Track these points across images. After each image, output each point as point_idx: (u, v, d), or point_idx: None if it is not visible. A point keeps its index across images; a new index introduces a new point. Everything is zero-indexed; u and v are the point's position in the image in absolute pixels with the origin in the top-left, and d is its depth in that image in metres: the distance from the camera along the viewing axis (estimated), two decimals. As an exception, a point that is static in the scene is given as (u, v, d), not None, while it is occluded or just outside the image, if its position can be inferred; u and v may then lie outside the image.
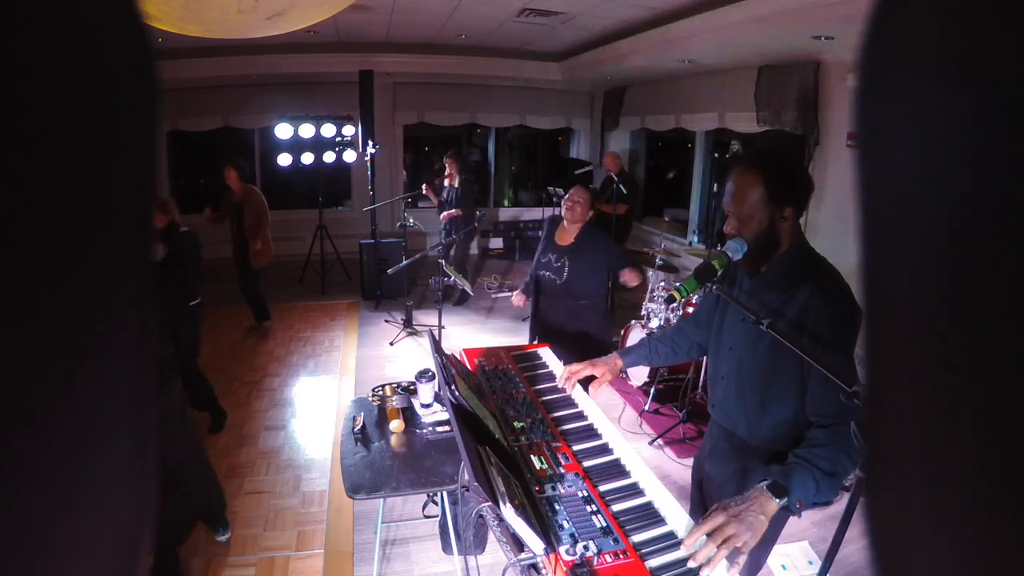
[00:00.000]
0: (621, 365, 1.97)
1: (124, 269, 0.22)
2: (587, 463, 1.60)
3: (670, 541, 1.32)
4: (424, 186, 6.24)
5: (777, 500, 1.29)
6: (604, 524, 1.34)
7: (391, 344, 5.28)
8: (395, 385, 2.53)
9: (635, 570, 1.22)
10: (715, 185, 5.36)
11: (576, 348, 2.79)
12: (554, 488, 1.46)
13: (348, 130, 6.86)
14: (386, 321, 5.87)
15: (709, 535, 1.26)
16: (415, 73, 7.73)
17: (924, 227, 0.19)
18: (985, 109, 0.16)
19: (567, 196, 3.09)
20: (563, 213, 3.09)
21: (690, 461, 3.20)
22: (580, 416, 1.86)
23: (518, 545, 1.21)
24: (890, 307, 0.21)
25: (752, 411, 1.59)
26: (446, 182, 6.12)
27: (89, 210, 0.20)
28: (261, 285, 5.35)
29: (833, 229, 4.02)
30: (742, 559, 1.24)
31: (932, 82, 0.18)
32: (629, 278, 3.01)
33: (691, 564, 1.24)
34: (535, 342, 3.29)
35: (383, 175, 7.96)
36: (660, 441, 3.71)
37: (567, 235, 3.11)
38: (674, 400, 4.07)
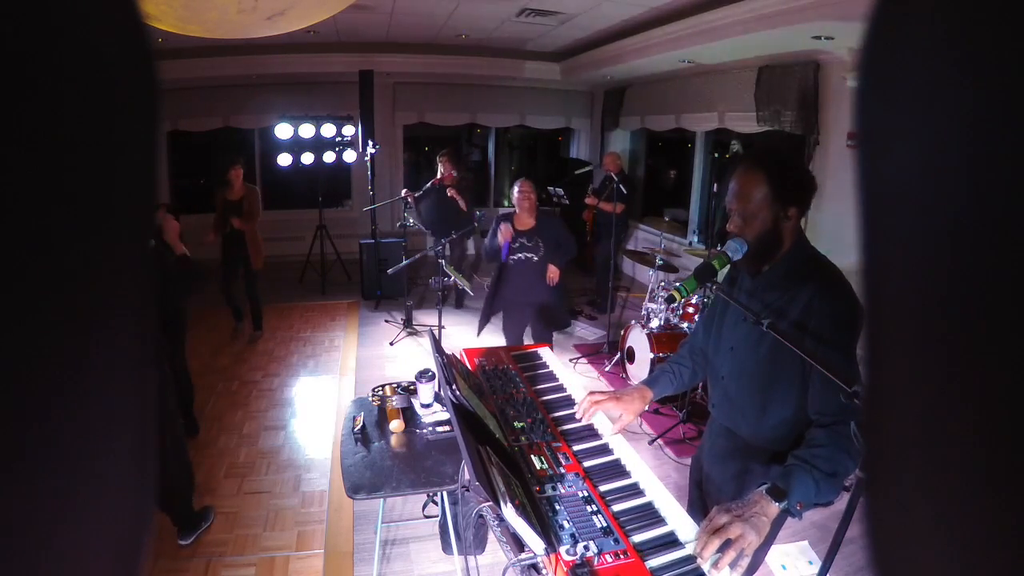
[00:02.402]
0: (650, 396, 1.83)
1: (124, 269, 0.22)
2: (587, 463, 1.60)
3: (670, 541, 1.32)
4: (404, 191, 6.03)
5: (777, 504, 1.29)
6: (604, 524, 1.34)
7: (391, 344, 5.28)
8: (395, 385, 2.53)
9: (635, 570, 1.22)
10: (715, 185, 5.35)
11: (541, 315, 3.65)
12: (554, 488, 1.46)
13: (348, 130, 6.86)
14: (386, 321, 5.87)
15: (713, 535, 1.26)
16: (415, 73, 7.73)
17: (924, 227, 0.19)
18: (985, 109, 0.16)
19: (519, 189, 3.76)
20: (518, 203, 3.76)
21: (690, 461, 3.19)
22: (580, 416, 1.86)
23: (518, 545, 1.21)
24: (890, 307, 0.21)
25: (753, 411, 1.59)
26: (442, 181, 5.90)
27: (89, 210, 0.20)
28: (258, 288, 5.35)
29: (833, 229, 4.02)
30: (745, 561, 1.24)
31: (932, 82, 0.18)
32: (552, 274, 3.64)
33: (700, 562, 1.24)
34: (485, 325, 3.95)
35: (383, 175, 7.95)
36: (660, 441, 3.71)
37: (526, 221, 3.76)
38: (674, 400, 4.07)
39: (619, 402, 1.76)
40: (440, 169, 5.83)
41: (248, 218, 4.90)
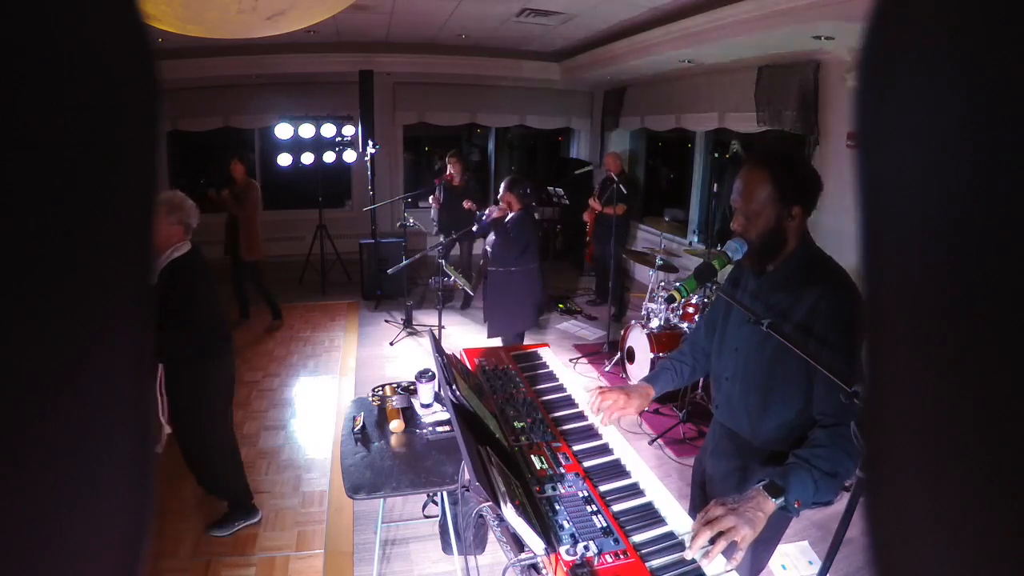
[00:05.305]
0: (652, 394, 1.84)
1: (125, 270, 0.22)
2: (587, 463, 1.60)
3: (670, 541, 1.32)
4: (432, 198, 6.29)
5: (774, 500, 1.30)
6: (604, 524, 1.34)
7: (391, 344, 5.28)
8: (395, 385, 2.53)
9: (635, 570, 1.22)
10: (715, 185, 5.35)
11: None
12: (554, 488, 1.46)
13: (348, 130, 6.86)
14: (386, 321, 5.87)
15: (705, 526, 1.26)
16: (415, 73, 7.73)
17: (924, 227, 0.19)
18: (985, 109, 0.16)
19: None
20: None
21: (690, 461, 3.19)
22: (580, 416, 1.86)
23: (518, 545, 1.21)
24: (890, 307, 0.21)
25: (756, 412, 1.59)
26: (451, 181, 6.09)
27: (90, 211, 0.20)
28: (264, 281, 5.48)
29: (833, 229, 4.02)
30: (739, 555, 1.24)
31: (932, 82, 0.18)
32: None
33: (686, 554, 1.25)
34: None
35: (383, 175, 7.95)
36: (660, 441, 3.71)
37: None
38: (674, 400, 4.07)
39: (628, 398, 1.76)
40: (449, 168, 5.99)
41: (242, 204, 5.11)
